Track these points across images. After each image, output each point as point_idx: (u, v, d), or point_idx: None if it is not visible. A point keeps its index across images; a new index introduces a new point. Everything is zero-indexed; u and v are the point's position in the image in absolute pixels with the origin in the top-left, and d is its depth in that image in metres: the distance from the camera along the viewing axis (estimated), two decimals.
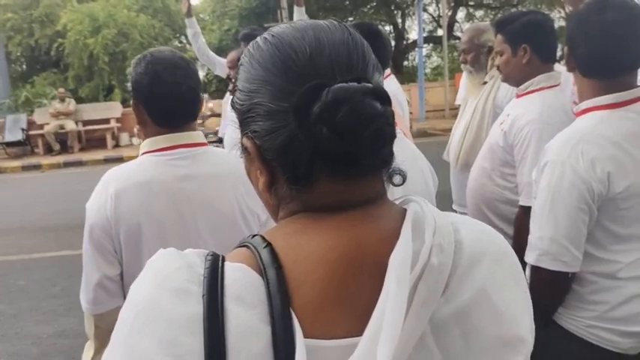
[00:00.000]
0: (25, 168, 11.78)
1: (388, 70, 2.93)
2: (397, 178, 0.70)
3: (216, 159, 1.56)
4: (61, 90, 13.63)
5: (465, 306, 0.61)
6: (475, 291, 0.62)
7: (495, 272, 0.65)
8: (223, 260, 0.62)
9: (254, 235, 0.65)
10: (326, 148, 0.60)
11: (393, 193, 0.70)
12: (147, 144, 1.52)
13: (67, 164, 11.72)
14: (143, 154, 1.53)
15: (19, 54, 16.79)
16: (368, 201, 0.65)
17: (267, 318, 0.57)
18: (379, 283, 0.59)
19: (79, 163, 11.88)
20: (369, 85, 0.61)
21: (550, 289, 1.53)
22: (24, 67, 17.56)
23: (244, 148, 0.69)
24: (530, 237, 1.54)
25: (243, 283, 0.59)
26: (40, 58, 17.10)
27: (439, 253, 0.61)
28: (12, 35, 16.56)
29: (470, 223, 0.69)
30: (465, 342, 0.61)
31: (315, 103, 0.59)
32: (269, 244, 0.62)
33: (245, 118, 0.67)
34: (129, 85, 1.59)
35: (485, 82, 2.89)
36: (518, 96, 2.20)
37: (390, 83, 3.16)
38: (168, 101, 1.48)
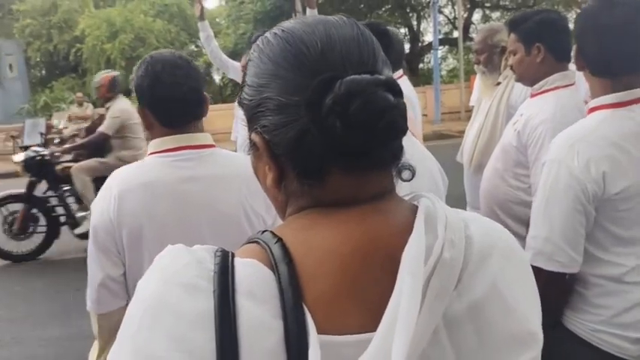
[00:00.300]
0: None
1: (400, 72, 2.90)
2: (406, 173, 0.69)
3: (223, 160, 1.55)
4: (79, 94, 13.76)
5: (478, 301, 0.61)
6: (487, 286, 0.62)
7: (505, 268, 0.64)
8: (233, 256, 0.61)
9: (264, 231, 0.64)
10: (338, 141, 0.59)
11: (401, 190, 0.70)
12: (153, 145, 1.52)
13: None
14: (149, 154, 1.53)
15: (38, 59, 17.04)
16: (378, 196, 0.65)
17: (280, 313, 0.56)
18: (392, 278, 0.58)
19: None
20: (381, 77, 0.61)
21: (548, 290, 1.48)
22: (43, 72, 17.78)
23: (253, 144, 0.68)
24: (527, 236, 1.53)
25: (254, 278, 0.58)
26: (59, 63, 17.34)
27: (451, 248, 0.60)
28: (31, 41, 16.84)
29: (479, 219, 0.69)
30: (478, 337, 0.61)
31: (328, 96, 0.59)
32: (280, 239, 0.61)
33: (254, 114, 0.66)
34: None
35: (498, 83, 2.86)
36: (532, 95, 2.17)
37: (403, 85, 3.12)
38: (169, 102, 1.47)
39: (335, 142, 0.60)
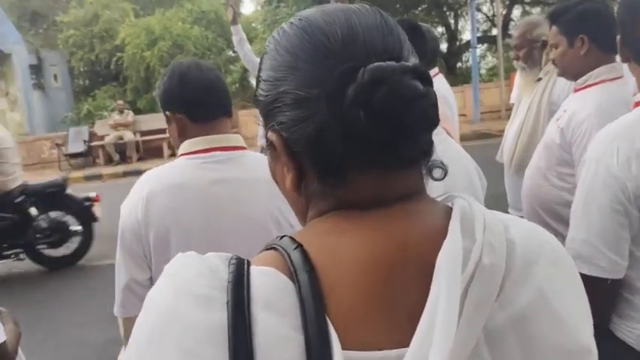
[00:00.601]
0: (87, 178, 12.22)
1: (436, 69, 2.83)
2: (438, 172, 0.63)
3: (254, 164, 1.51)
4: (120, 102, 14.10)
5: (522, 312, 0.55)
6: (532, 295, 0.56)
7: (552, 275, 0.58)
8: (249, 264, 0.56)
9: (282, 237, 0.59)
10: (362, 135, 0.55)
11: (432, 190, 0.64)
12: (184, 146, 1.51)
13: (126, 174, 12.07)
14: (180, 156, 1.52)
15: (81, 69, 17.50)
16: (407, 196, 0.60)
17: (300, 325, 0.51)
18: (425, 286, 0.53)
19: (138, 173, 12.20)
20: (408, 64, 0.56)
21: (591, 297, 1.40)
22: (86, 81, 18.27)
23: (269, 143, 0.63)
24: (566, 238, 1.45)
25: (271, 287, 0.53)
26: (101, 72, 17.79)
27: (491, 253, 0.55)
28: (74, 51, 17.31)
29: (519, 222, 0.62)
30: (523, 352, 0.55)
31: (350, 86, 0.54)
32: (300, 245, 0.56)
33: (270, 110, 0.62)
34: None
35: (539, 79, 2.76)
36: (575, 90, 2.06)
37: (439, 83, 3.05)
38: (200, 92, 1.49)
39: (358, 136, 0.55)
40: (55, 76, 17.03)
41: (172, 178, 1.46)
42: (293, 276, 0.54)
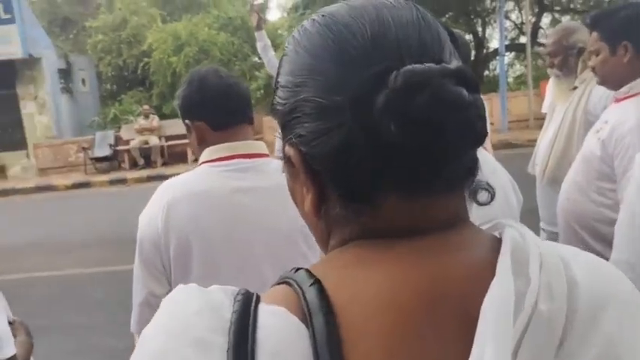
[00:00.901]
0: (111, 182, 12.33)
1: None
2: (483, 195, 0.54)
3: (278, 171, 1.43)
4: (146, 107, 14.22)
5: None
6: (601, 349, 0.45)
7: (624, 324, 0.47)
8: (258, 301, 0.48)
9: (297, 269, 0.51)
10: (393, 151, 0.47)
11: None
12: (205, 154, 1.46)
13: (150, 178, 12.13)
14: (201, 164, 1.46)
15: (109, 74, 17.71)
16: (447, 224, 0.51)
17: None
18: (467, 338, 0.43)
19: (162, 177, 12.25)
20: (450, 66, 0.48)
21: None
22: (114, 86, 18.49)
23: (287, 159, 0.55)
24: (610, 260, 1.34)
25: (281, 332, 0.45)
26: (128, 77, 17.98)
27: (548, 297, 0.45)
28: (102, 56, 17.53)
29: (582, 256, 0.52)
30: None
31: (380, 92, 0.45)
32: (317, 281, 0.47)
33: (288, 121, 0.54)
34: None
35: (575, 87, 2.64)
36: (617, 100, 1.95)
37: None
38: (219, 99, 1.44)
39: (389, 152, 0.46)
40: (83, 81, 17.27)
41: (194, 186, 1.40)
42: (307, 318, 0.45)
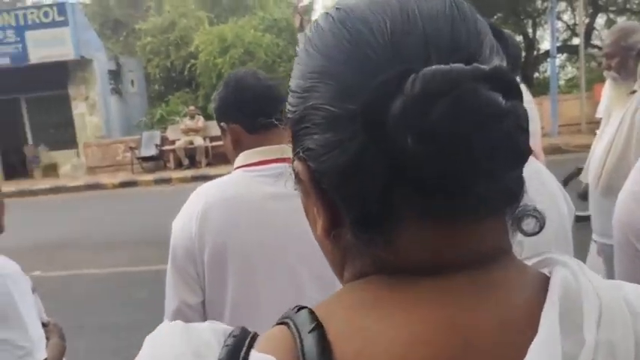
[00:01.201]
0: (156, 181, 12.56)
1: (518, 79, 2.60)
2: (530, 223, 0.45)
3: None
4: (191, 107, 14.43)
5: None
6: None
7: None
8: (251, 344, 0.41)
9: (300, 308, 0.43)
10: (411, 170, 0.39)
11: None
12: (239, 159, 1.44)
13: (194, 178, 12.28)
14: (236, 168, 1.44)
15: (157, 75, 18.07)
16: (480, 260, 0.42)
17: None
18: None
19: (205, 178, 12.42)
20: (483, 67, 0.39)
21: None
22: (161, 87, 18.86)
23: (296, 175, 0.47)
24: None
25: None
26: (176, 78, 18.30)
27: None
28: (151, 57, 17.91)
29: None
30: None
31: (396, 99, 0.38)
32: (318, 326, 0.40)
33: (297, 131, 0.46)
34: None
35: (634, 91, 2.49)
36: None
37: None
38: (254, 100, 1.42)
39: (405, 170, 0.39)
40: (132, 82, 17.68)
41: (228, 192, 1.38)
42: None
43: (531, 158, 1.46)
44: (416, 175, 0.39)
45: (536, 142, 2.55)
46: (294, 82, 0.48)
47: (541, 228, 0.45)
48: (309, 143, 0.45)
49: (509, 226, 0.45)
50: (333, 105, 0.42)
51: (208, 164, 13.78)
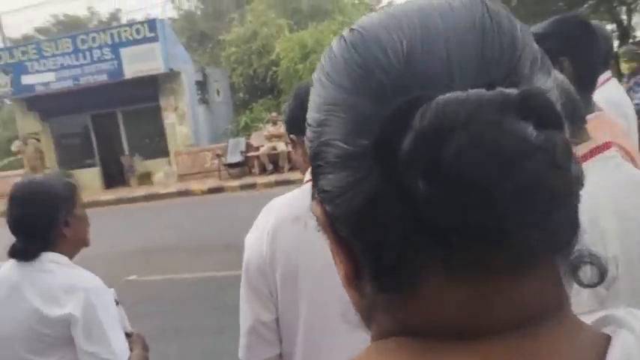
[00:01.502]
0: (242, 187, 12.89)
1: (608, 73, 2.41)
2: (590, 272, 0.38)
3: None
4: (274, 114, 14.71)
5: None
6: None
7: None
8: None
9: None
10: (428, 218, 0.33)
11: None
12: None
13: (277, 183, 12.51)
14: (306, 182, 1.38)
15: (241, 84, 18.58)
16: (524, 322, 0.36)
17: None
18: None
19: (288, 182, 12.61)
20: (510, 92, 0.33)
21: None
22: (246, 95, 19.35)
23: (317, 219, 0.43)
24: None
25: None
26: (259, 86, 18.72)
27: None
28: (235, 67, 18.44)
29: None
30: None
31: (407, 134, 0.33)
32: None
33: (314, 169, 0.43)
34: None
35: None
36: None
37: (612, 89, 2.62)
38: None
39: (422, 216, 0.33)
40: (218, 91, 18.28)
41: (300, 207, 1.32)
42: None
43: (629, 167, 1.31)
44: (432, 224, 0.33)
45: (633, 143, 2.34)
46: (309, 115, 0.43)
47: (602, 277, 0.39)
48: (324, 184, 0.41)
49: (562, 278, 0.37)
50: (346, 141, 0.37)
51: (291, 169, 13.99)
